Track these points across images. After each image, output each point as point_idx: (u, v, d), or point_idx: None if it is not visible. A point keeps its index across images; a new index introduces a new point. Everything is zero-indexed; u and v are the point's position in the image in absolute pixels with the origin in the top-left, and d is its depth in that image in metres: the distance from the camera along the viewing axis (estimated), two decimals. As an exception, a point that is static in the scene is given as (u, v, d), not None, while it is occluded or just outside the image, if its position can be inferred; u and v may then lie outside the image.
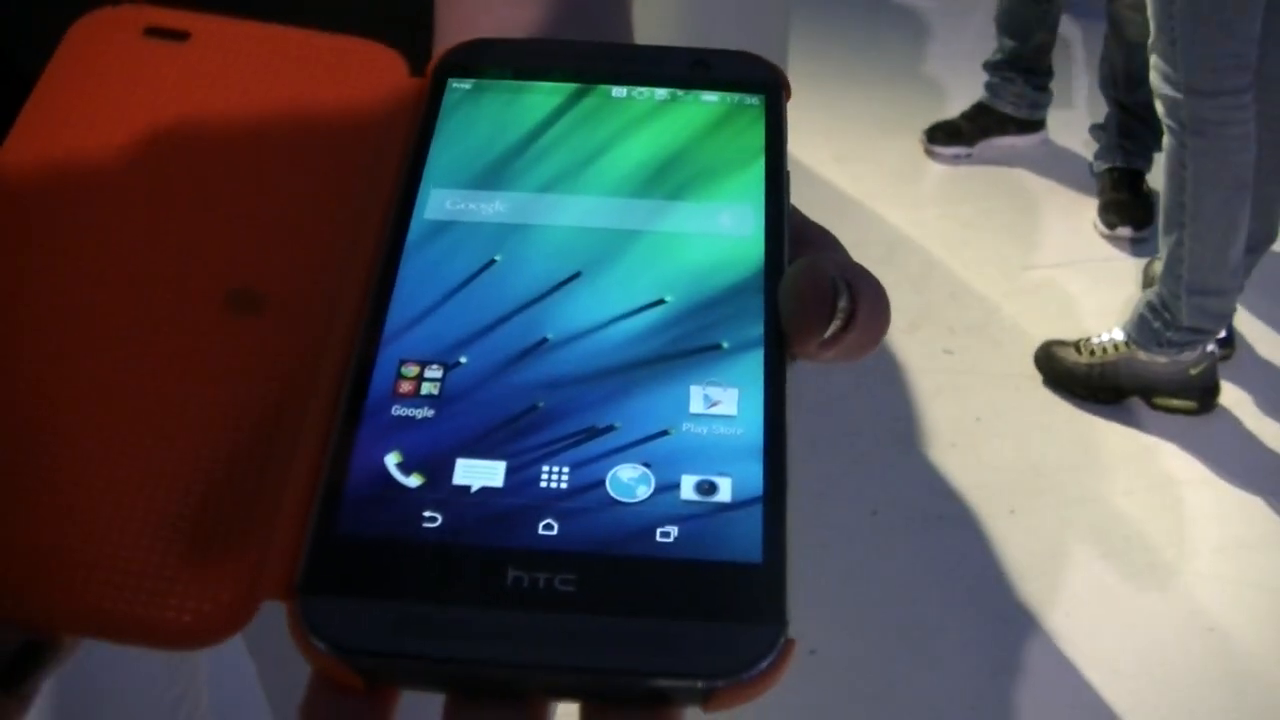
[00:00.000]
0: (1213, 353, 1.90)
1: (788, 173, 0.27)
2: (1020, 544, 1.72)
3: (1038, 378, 2.00)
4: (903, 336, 2.11)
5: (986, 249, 2.34)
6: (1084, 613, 1.62)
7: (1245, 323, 2.12)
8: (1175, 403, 1.91)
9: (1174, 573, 1.68)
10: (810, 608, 1.59)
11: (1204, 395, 1.91)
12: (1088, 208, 2.44)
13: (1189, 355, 1.88)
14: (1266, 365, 2.06)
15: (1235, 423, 1.93)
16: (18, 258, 0.25)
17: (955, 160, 2.58)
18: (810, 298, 0.23)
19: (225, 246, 0.25)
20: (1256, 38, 1.71)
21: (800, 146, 2.58)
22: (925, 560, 1.70)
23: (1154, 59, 1.78)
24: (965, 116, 2.60)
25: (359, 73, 0.29)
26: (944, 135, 2.59)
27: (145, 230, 0.26)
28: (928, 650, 1.57)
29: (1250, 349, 2.09)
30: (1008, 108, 2.55)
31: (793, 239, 0.26)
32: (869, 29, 3.21)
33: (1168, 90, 1.76)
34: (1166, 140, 1.81)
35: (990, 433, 1.91)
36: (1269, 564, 1.70)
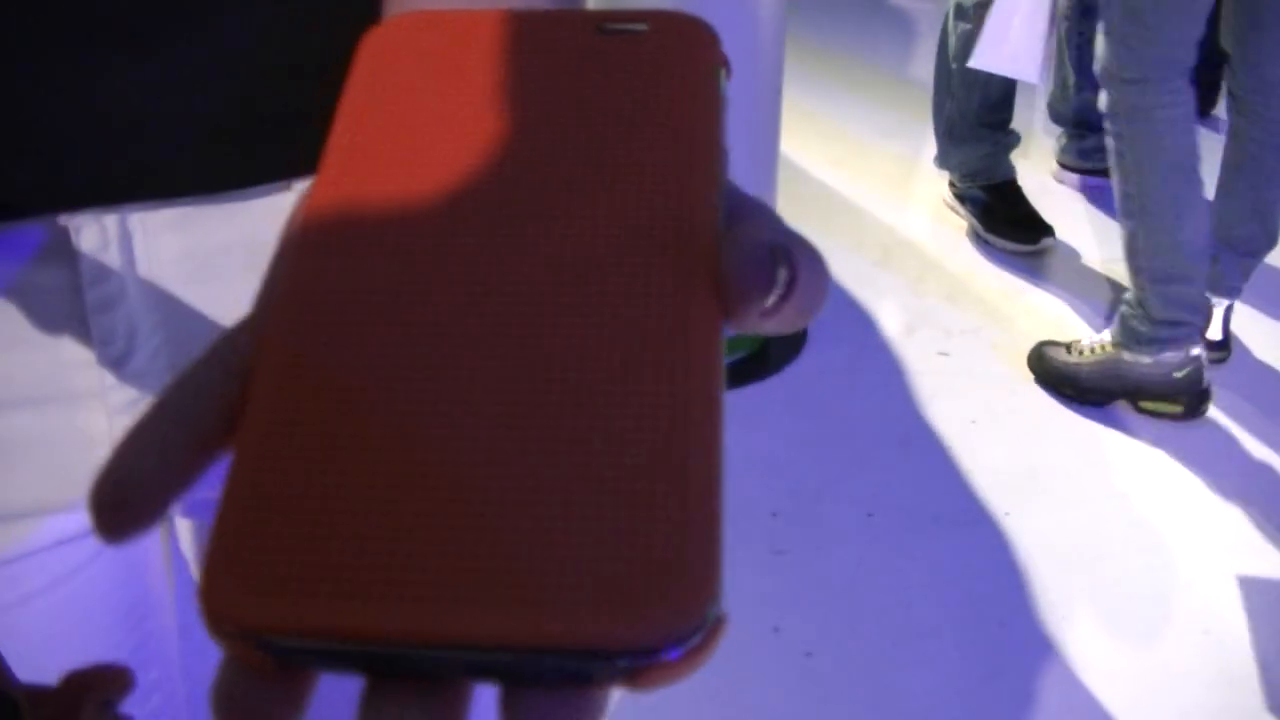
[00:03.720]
0: (1198, 356, 1.90)
1: (725, 146, 0.27)
2: (1016, 546, 1.72)
3: (1034, 380, 2.00)
4: (899, 339, 2.11)
5: (982, 252, 2.34)
6: (1080, 615, 1.62)
7: (1242, 326, 2.12)
8: (1162, 406, 1.91)
9: (1170, 575, 1.68)
10: (806, 610, 1.60)
11: (1191, 399, 1.91)
12: (1084, 211, 2.44)
13: (1172, 356, 1.88)
14: (1262, 368, 2.06)
15: (1231, 425, 1.93)
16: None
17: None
18: (749, 267, 0.23)
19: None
20: (1193, 42, 1.76)
21: (796, 150, 2.59)
22: (921, 562, 1.70)
23: (1098, 49, 1.84)
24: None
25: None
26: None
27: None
28: (924, 652, 1.57)
29: (1247, 352, 2.09)
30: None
31: (727, 211, 0.26)
32: (865, 32, 3.21)
33: (1104, 79, 1.84)
34: (1106, 130, 1.87)
35: (986, 435, 1.91)
36: (1264, 565, 1.69)
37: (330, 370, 0.23)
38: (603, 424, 0.22)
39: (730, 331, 0.24)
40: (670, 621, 0.20)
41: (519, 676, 0.20)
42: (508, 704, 0.20)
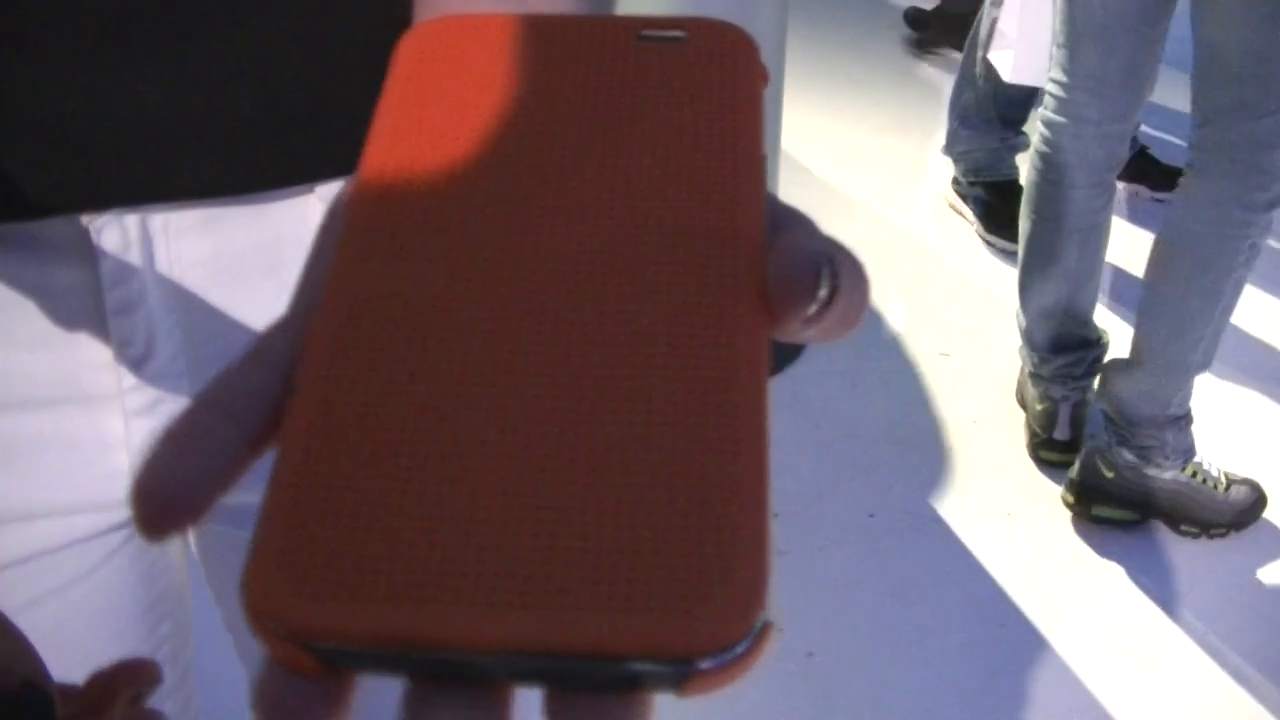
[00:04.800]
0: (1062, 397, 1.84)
1: (764, 156, 0.27)
2: (1016, 547, 1.72)
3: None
4: (899, 339, 2.11)
5: (983, 252, 2.34)
6: (1079, 615, 1.63)
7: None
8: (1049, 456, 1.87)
9: (1169, 575, 1.68)
10: (808, 610, 1.60)
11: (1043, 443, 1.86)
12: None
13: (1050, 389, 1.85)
14: (1258, 353, 2.06)
15: (1228, 419, 1.93)
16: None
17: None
18: (796, 275, 0.24)
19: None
20: (1090, 83, 1.63)
21: (797, 148, 2.59)
22: (922, 563, 1.70)
23: None
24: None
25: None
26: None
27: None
28: (924, 652, 1.57)
29: (1242, 332, 2.10)
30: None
31: (769, 220, 0.26)
32: (866, 31, 3.21)
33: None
34: None
35: (987, 435, 1.91)
36: (1265, 565, 1.70)
37: (377, 370, 0.23)
38: (652, 431, 0.22)
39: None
40: (719, 629, 0.20)
41: (566, 681, 0.20)
42: (553, 708, 0.20)
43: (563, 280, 0.25)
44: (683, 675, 0.20)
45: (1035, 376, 1.85)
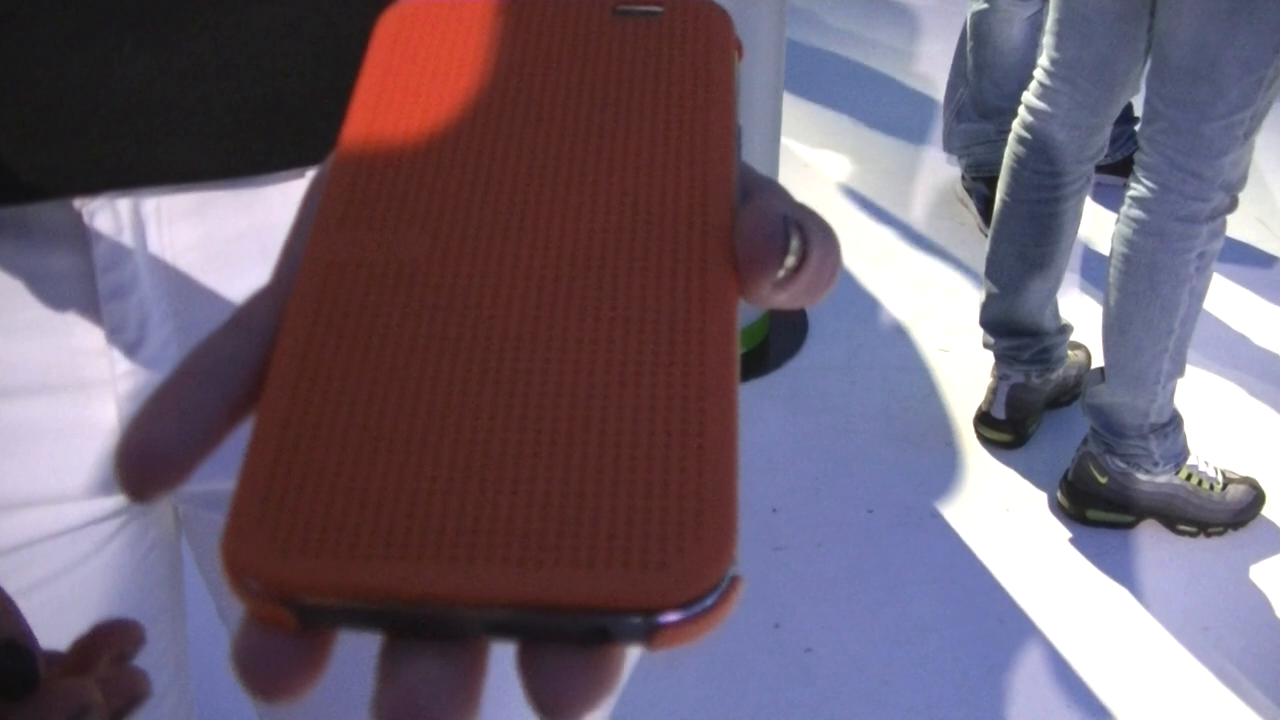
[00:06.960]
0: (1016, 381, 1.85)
1: (740, 127, 0.28)
2: (1015, 543, 1.72)
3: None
4: (899, 335, 2.11)
5: (983, 248, 2.34)
6: (1077, 611, 1.63)
7: (1226, 299, 2.12)
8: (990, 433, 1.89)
9: (1168, 572, 1.68)
10: (806, 606, 1.60)
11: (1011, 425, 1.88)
12: (1090, 208, 2.44)
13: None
14: (1242, 330, 2.06)
15: (1226, 416, 1.93)
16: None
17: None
18: (762, 236, 0.24)
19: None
20: (1066, 72, 1.62)
21: (798, 143, 2.58)
22: (921, 559, 1.70)
23: None
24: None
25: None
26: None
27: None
28: (923, 648, 1.57)
29: (1230, 309, 2.10)
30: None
31: (741, 189, 0.27)
32: (865, 28, 3.21)
33: None
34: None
35: (986, 432, 1.91)
36: (1264, 562, 1.70)
37: (354, 334, 0.24)
38: (623, 389, 0.23)
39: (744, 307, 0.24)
40: (688, 582, 0.20)
41: (538, 634, 0.21)
42: (526, 661, 0.21)
43: (536, 247, 0.25)
44: (652, 628, 0.21)
45: (988, 348, 1.87)
